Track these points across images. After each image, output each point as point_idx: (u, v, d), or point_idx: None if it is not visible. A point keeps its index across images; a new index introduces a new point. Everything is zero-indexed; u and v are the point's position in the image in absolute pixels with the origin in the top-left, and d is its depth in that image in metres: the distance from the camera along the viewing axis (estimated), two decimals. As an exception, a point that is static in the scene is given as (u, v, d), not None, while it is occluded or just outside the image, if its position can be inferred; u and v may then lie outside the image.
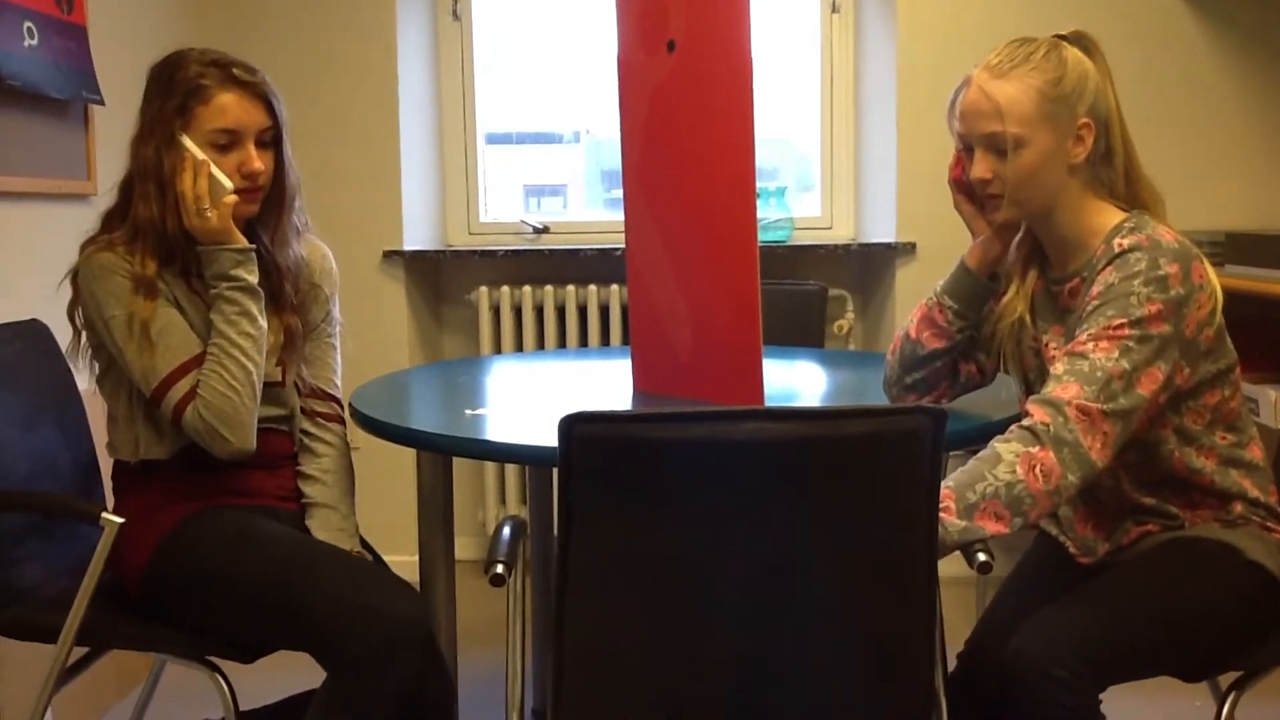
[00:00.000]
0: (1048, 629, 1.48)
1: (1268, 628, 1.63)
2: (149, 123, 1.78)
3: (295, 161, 1.88)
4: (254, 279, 1.78)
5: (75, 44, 2.54)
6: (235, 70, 1.78)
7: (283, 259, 1.87)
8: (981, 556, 1.41)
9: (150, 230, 1.76)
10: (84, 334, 1.82)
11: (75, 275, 1.79)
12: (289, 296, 1.88)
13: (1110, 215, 1.63)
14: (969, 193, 1.70)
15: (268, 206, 1.85)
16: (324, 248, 2.00)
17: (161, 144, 1.76)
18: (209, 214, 1.74)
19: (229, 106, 1.76)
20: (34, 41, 2.38)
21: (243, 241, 1.78)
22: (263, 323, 1.79)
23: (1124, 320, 1.51)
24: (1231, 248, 2.87)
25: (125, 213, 1.80)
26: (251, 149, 1.78)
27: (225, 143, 1.77)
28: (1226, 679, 1.65)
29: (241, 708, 1.74)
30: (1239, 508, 1.65)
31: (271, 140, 1.82)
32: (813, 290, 2.87)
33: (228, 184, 1.75)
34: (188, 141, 1.75)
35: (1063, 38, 1.63)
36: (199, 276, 1.80)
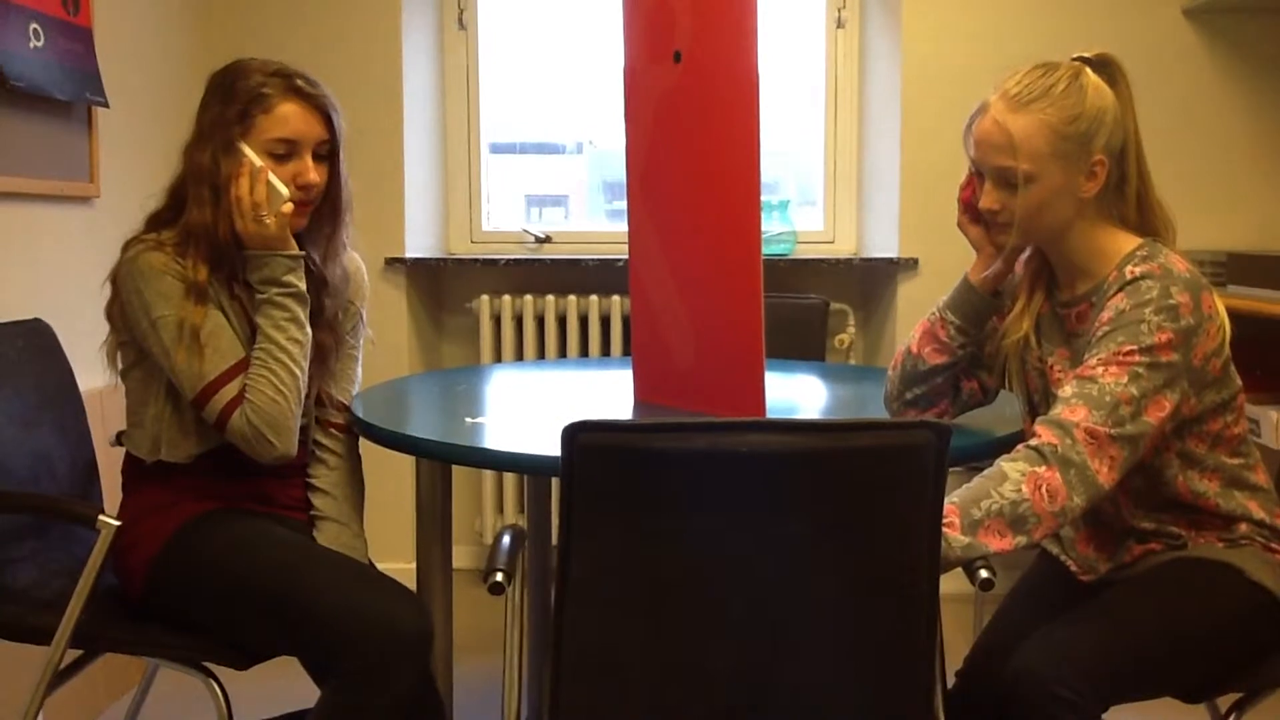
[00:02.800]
0: (1050, 648, 1.47)
1: (1269, 649, 1.62)
2: (207, 128, 1.78)
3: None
4: (303, 285, 1.78)
5: (80, 46, 2.54)
6: (298, 81, 1.79)
7: (330, 274, 1.87)
8: (984, 573, 1.41)
9: (203, 235, 1.76)
10: (119, 332, 1.81)
11: (118, 272, 1.78)
12: (328, 311, 1.88)
13: (1121, 241, 1.62)
14: (976, 214, 1.69)
15: (321, 220, 1.86)
16: (359, 260, 1.99)
17: (219, 150, 1.76)
18: (267, 220, 1.74)
19: (290, 117, 1.77)
20: (39, 43, 2.38)
21: (295, 249, 1.78)
22: (309, 330, 1.79)
23: (1134, 347, 1.51)
24: (1233, 268, 2.87)
25: (173, 216, 1.80)
26: (308, 160, 1.79)
27: (283, 153, 1.77)
28: (1225, 701, 1.64)
29: (234, 715, 1.73)
30: (1243, 528, 1.65)
31: (328, 154, 1.83)
32: (814, 304, 2.87)
33: (285, 192, 1.75)
34: (246, 148, 1.75)
35: (1087, 61, 1.61)
36: (241, 284, 1.80)
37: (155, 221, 1.82)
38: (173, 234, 1.78)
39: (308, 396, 1.86)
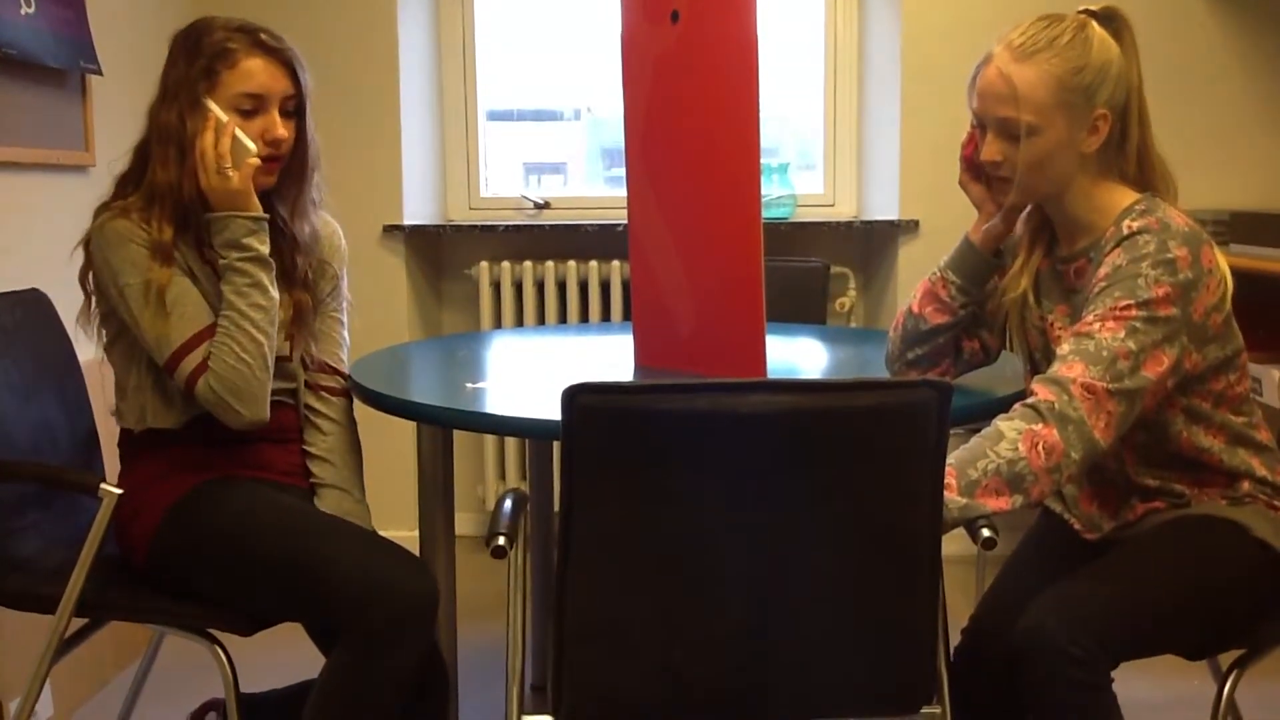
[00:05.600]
0: (1060, 607, 1.47)
1: (1271, 606, 1.63)
2: (172, 86, 1.77)
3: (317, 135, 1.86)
4: (265, 249, 1.77)
5: (73, 13, 2.51)
6: (262, 36, 1.78)
7: (299, 232, 1.86)
8: (986, 532, 1.40)
9: (168, 195, 1.75)
10: (94, 300, 1.81)
11: (88, 241, 1.77)
12: (302, 271, 1.87)
13: (1121, 196, 1.61)
14: (977, 172, 1.68)
15: (288, 178, 1.84)
16: (334, 224, 1.98)
17: (185, 107, 1.75)
18: (230, 174, 1.72)
19: (255, 71, 1.75)
20: (31, 10, 2.36)
21: (258, 209, 1.76)
22: (274, 294, 1.77)
23: (1131, 301, 1.50)
24: (1236, 227, 2.86)
25: (140, 177, 1.79)
26: (275, 116, 1.78)
27: (250, 108, 1.76)
28: (1227, 659, 1.64)
29: (239, 681, 1.73)
30: (1246, 486, 1.64)
31: (294, 110, 1.81)
32: (815, 267, 2.86)
33: (251, 146, 1.74)
34: (212, 104, 1.74)
35: (1093, 14, 1.60)
36: (212, 246, 1.79)
37: (123, 183, 1.81)
38: (138, 197, 1.77)
39: (288, 359, 1.86)
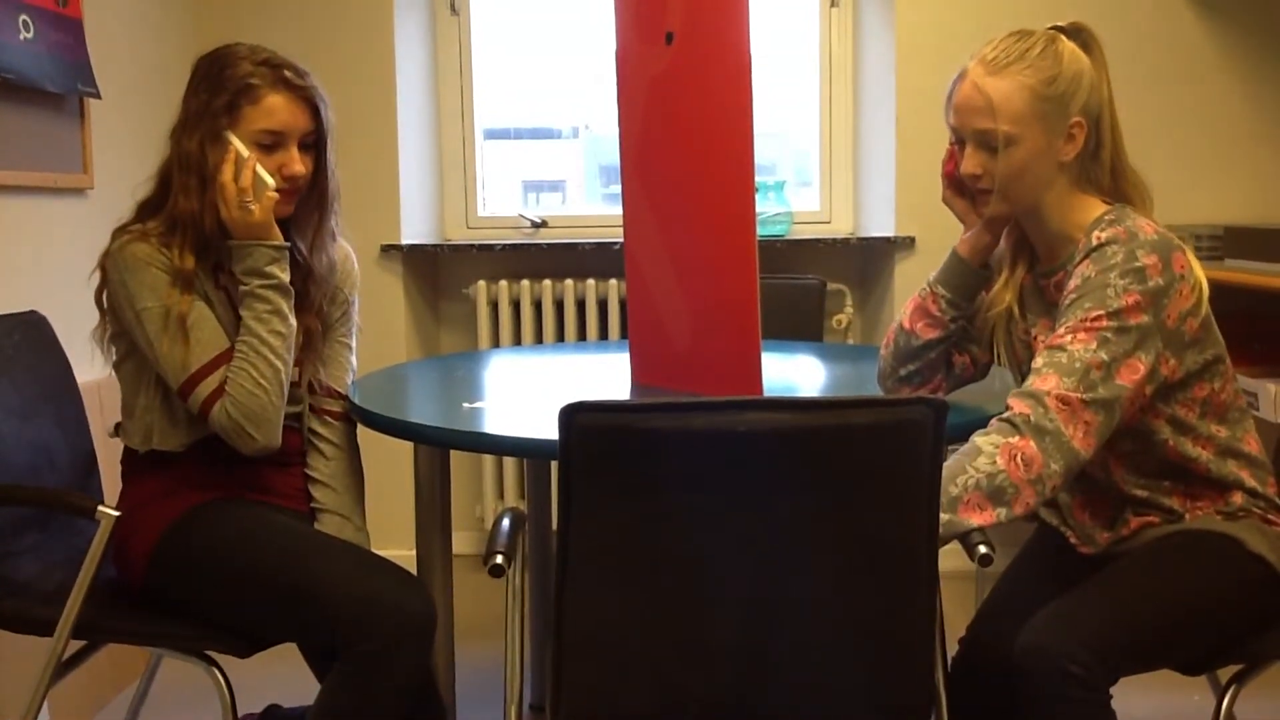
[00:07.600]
0: (1059, 623, 1.47)
1: (1268, 621, 1.63)
2: (194, 115, 1.78)
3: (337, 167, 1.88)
4: (286, 277, 1.78)
5: (71, 37, 2.53)
6: (286, 73, 1.79)
7: (317, 264, 1.87)
8: (982, 549, 1.41)
9: (189, 223, 1.76)
10: (108, 319, 1.81)
11: (105, 261, 1.78)
12: (314, 299, 1.88)
13: (1094, 209, 1.63)
14: (959, 187, 1.70)
15: (307, 210, 1.86)
16: (348, 248, 1.99)
17: (207, 138, 1.76)
18: (252, 207, 1.74)
19: (277, 108, 1.77)
20: (30, 35, 2.37)
21: (279, 239, 1.78)
22: (293, 321, 1.79)
23: (1101, 312, 1.51)
24: (1230, 241, 2.87)
25: (161, 202, 1.80)
26: (294, 151, 1.79)
27: (269, 143, 1.77)
28: (1225, 673, 1.64)
29: (236, 704, 1.73)
30: (1238, 499, 1.65)
31: (314, 144, 1.83)
32: (812, 284, 2.87)
33: (270, 181, 1.76)
34: (234, 139, 1.75)
35: (1061, 29, 1.62)
36: (227, 272, 1.79)
37: (143, 208, 1.82)
38: (158, 223, 1.78)
39: (297, 385, 1.86)
